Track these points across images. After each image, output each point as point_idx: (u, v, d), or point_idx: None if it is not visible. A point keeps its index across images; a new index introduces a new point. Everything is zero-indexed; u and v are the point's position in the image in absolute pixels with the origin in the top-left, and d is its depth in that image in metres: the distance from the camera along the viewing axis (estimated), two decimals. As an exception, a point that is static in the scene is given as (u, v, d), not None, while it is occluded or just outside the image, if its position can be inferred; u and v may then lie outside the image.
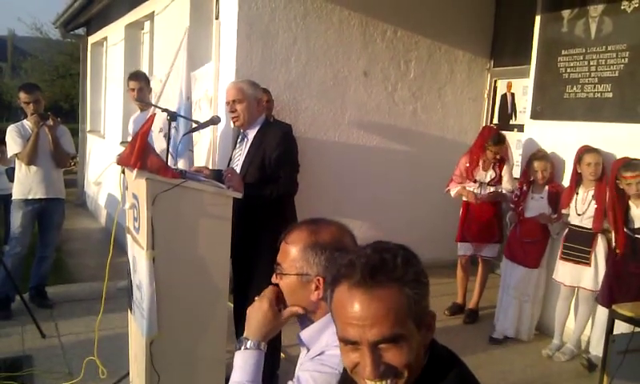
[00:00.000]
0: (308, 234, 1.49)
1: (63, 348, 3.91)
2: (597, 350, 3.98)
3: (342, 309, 1.12)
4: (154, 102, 4.45)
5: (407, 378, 1.11)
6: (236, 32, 5.03)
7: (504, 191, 4.81)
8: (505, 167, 4.81)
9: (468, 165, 4.92)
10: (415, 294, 1.10)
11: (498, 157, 4.78)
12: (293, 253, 1.49)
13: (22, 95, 4.60)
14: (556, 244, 4.44)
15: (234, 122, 3.42)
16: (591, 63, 4.52)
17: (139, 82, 4.80)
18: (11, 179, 5.31)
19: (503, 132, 5.05)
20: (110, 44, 9.55)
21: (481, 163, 4.85)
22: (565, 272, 4.27)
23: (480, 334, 4.62)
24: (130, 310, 3.17)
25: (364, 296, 1.09)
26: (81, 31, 11.68)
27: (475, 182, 4.86)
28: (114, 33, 9.06)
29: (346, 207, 5.63)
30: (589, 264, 4.12)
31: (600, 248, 4.12)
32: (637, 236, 3.78)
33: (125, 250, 3.17)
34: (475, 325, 4.79)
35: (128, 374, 3.31)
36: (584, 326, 4.22)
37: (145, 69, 7.38)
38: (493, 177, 4.81)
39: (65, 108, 19.59)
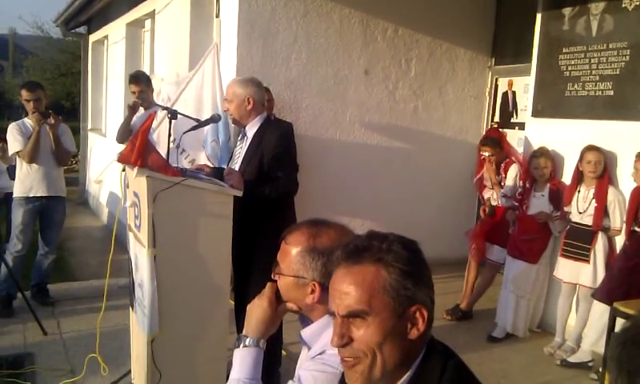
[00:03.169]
0: (307, 238, 1.50)
1: (65, 345, 3.92)
2: (592, 345, 4.01)
3: (330, 284, 1.20)
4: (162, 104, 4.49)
5: (372, 363, 1.13)
6: (236, 30, 5.03)
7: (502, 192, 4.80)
8: (511, 168, 4.75)
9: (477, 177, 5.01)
10: (395, 280, 1.12)
11: (492, 158, 4.76)
12: (291, 254, 1.50)
13: (25, 93, 4.60)
14: (558, 242, 4.44)
15: (230, 119, 3.47)
16: (592, 61, 4.52)
17: (139, 85, 4.78)
18: (12, 177, 5.32)
19: (504, 130, 5.04)
20: (110, 42, 9.56)
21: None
22: (564, 269, 4.28)
23: (481, 331, 4.62)
24: (132, 308, 3.19)
25: (344, 271, 1.16)
26: (82, 29, 11.68)
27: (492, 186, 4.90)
28: (114, 31, 9.06)
29: (347, 206, 5.63)
30: (588, 261, 4.13)
31: (600, 246, 4.12)
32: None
33: (126, 247, 3.18)
34: (477, 323, 4.79)
35: (130, 371, 3.32)
36: (584, 324, 4.23)
37: (146, 67, 7.39)
38: (500, 180, 4.81)
39: (66, 106, 19.63)
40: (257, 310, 1.56)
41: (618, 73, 4.35)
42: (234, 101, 3.32)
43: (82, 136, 11.00)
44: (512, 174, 4.72)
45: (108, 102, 9.85)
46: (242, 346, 1.54)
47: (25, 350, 3.81)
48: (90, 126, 10.94)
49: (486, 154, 4.80)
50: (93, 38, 10.94)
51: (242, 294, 3.33)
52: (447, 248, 6.16)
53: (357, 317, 1.13)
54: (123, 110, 7.83)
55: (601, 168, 4.14)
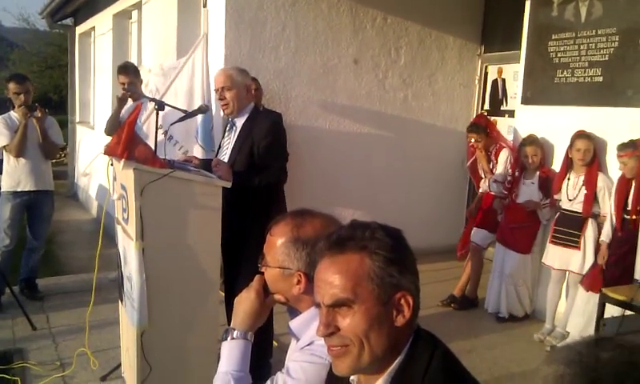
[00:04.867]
0: (291, 228, 1.49)
1: (54, 340, 3.89)
2: (580, 331, 4.04)
3: (315, 275, 1.20)
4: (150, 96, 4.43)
5: (359, 351, 1.13)
6: (224, 20, 4.98)
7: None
8: (501, 153, 4.79)
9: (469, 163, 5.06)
10: (379, 268, 1.12)
11: (478, 144, 4.82)
12: (276, 245, 1.50)
13: (12, 86, 4.53)
14: (547, 230, 4.46)
15: (223, 110, 3.39)
16: (581, 47, 4.52)
17: (128, 76, 4.72)
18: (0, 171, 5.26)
19: (495, 118, 5.05)
20: (97, 34, 9.45)
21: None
22: (554, 255, 4.30)
23: (471, 319, 4.65)
24: (121, 301, 3.16)
25: (328, 261, 1.16)
26: (68, 21, 11.54)
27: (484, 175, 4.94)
28: (101, 23, 8.96)
29: (337, 195, 5.62)
30: (578, 248, 4.15)
31: (590, 232, 4.14)
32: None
33: (116, 241, 3.15)
34: (466, 311, 4.81)
35: (120, 365, 3.30)
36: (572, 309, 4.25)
37: (133, 58, 7.31)
38: (491, 166, 4.84)
39: (54, 99, 19.40)
40: (244, 302, 1.54)
41: (607, 59, 4.35)
42: (233, 89, 3.26)
43: (70, 129, 10.90)
44: (503, 159, 4.75)
45: (96, 95, 9.77)
46: (229, 338, 1.53)
47: (14, 346, 3.77)
48: (77, 119, 10.84)
49: (472, 140, 4.84)
50: (79, 29, 10.82)
51: (232, 286, 3.31)
52: (439, 236, 6.19)
53: (342, 305, 1.13)
54: (111, 103, 7.78)
55: (590, 156, 4.15)
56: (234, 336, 1.52)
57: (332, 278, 1.14)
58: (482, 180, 5.06)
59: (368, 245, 1.14)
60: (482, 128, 4.88)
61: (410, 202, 6.17)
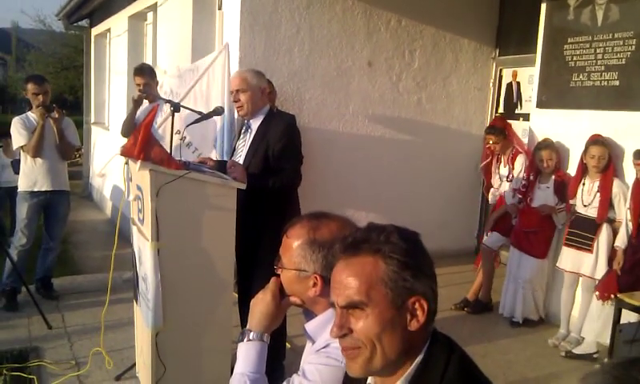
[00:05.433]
0: (307, 231, 1.50)
1: (70, 339, 3.93)
2: (596, 337, 4.01)
3: (331, 276, 1.21)
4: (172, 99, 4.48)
5: (371, 354, 1.13)
6: (239, 22, 5.00)
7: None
8: (517, 159, 4.78)
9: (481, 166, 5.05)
10: (393, 272, 1.12)
11: (496, 146, 4.81)
12: (292, 248, 1.50)
13: (31, 86, 4.59)
14: (562, 234, 4.42)
15: (238, 112, 3.41)
16: (598, 51, 4.48)
17: (144, 78, 4.75)
18: (16, 171, 5.32)
19: (509, 121, 5.04)
20: (113, 35, 9.54)
21: (503, 159, 4.92)
22: (567, 258, 4.27)
23: (485, 323, 4.62)
24: (136, 302, 3.19)
25: (343, 263, 1.18)
26: (84, 23, 11.67)
27: (500, 179, 4.94)
28: (117, 24, 9.04)
29: (351, 198, 5.62)
30: (590, 251, 4.11)
31: (604, 237, 4.09)
32: None
33: (130, 241, 3.17)
34: (480, 314, 4.78)
35: (134, 364, 3.33)
36: (586, 314, 4.20)
37: (148, 60, 7.37)
38: (508, 172, 4.82)
39: (69, 100, 19.65)
40: (260, 304, 1.55)
41: (623, 63, 4.30)
42: (248, 91, 3.28)
43: (85, 130, 10.99)
44: (519, 166, 4.72)
45: (111, 96, 9.85)
46: (245, 340, 1.54)
47: (30, 344, 3.81)
48: (93, 120, 10.94)
49: (490, 142, 4.84)
50: (95, 31, 10.92)
51: (246, 287, 3.32)
52: (452, 239, 6.17)
53: (356, 308, 1.14)
54: (126, 104, 7.84)
55: (604, 162, 4.10)
56: (251, 337, 1.53)
57: (346, 280, 1.15)
58: (492, 189, 5.05)
59: (382, 248, 1.14)
60: (501, 130, 4.88)
61: (424, 205, 6.15)
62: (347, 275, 1.15)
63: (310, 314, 1.55)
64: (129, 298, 3.66)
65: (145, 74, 4.77)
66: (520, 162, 4.74)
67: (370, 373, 1.18)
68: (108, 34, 9.97)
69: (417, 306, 1.13)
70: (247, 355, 1.52)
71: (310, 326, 1.52)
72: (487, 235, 4.88)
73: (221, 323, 2.98)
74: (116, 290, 3.50)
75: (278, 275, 1.56)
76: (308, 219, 1.54)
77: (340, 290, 1.16)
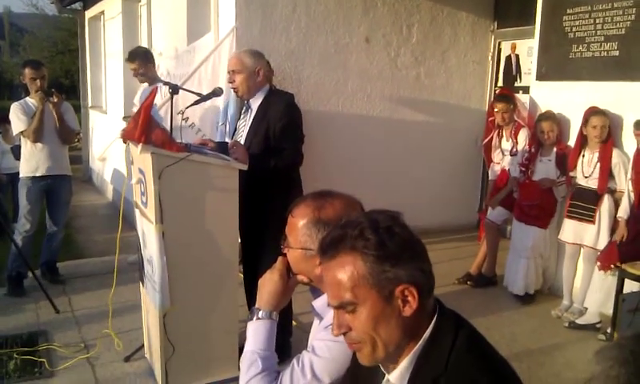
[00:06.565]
0: (312, 210, 1.51)
1: (77, 322, 3.97)
2: (599, 307, 4.04)
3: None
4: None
5: (372, 346, 1.16)
6: (234, 1, 4.95)
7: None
8: (520, 133, 4.76)
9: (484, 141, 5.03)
10: (371, 267, 1.12)
11: (505, 115, 4.77)
12: (297, 227, 1.52)
13: (29, 71, 4.56)
14: (564, 206, 4.44)
15: (235, 92, 3.41)
16: (597, 21, 4.45)
17: (134, 63, 4.73)
18: (17, 157, 5.32)
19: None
20: (107, 18, 9.43)
21: (504, 133, 4.90)
22: (569, 230, 4.29)
23: (489, 296, 4.66)
24: (142, 284, 3.22)
25: (325, 266, 1.20)
26: (77, 6, 11.50)
27: (503, 154, 4.91)
28: (110, 6, 8.94)
29: (351, 175, 5.61)
30: (592, 222, 4.13)
31: (605, 207, 4.11)
32: None
33: (133, 224, 3.19)
34: (484, 288, 4.82)
35: (143, 346, 3.37)
36: (588, 285, 4.24)
37: (144, 42, 7.30)
38: (511, 146, 4.80)
39: (65, 84, 19.51)
40: (268, 283, 1.57)
41: (623, 33, 4.28)
42: (242, 72, 3.26)
43: (82, 114, 10.93)
44: (522, 139, 4.72)
45: (107, 79, 9.78)
46: (255, 318, 1.56)
47: (38, 328, 3.86)
48: (90, 104, 10.88)
49: (498, 109, 4.80)
50: (89, 14, 10.79)
51: (251, 267, 3.35)
52: (453, 213, 6.19)
53: (347, 306, 1.16)
54: (123, 87, 7.80)
55: (606, 132, 4.10)
56: (260, 316, 1.56)
57: (332, 282, 1.17)
58: (492, 164, 5.04)
59: (356, 244, 1.14)
60: (510, 98, 4.88)
61: (425, 180, 6.16)
62: (332, 276, 1.17)
63: (317, 292, 1.57)
64: (133, 281, 3.70)
65: (135, 59, 4.74)
66: (523, 136, 4.73)
67: (377, 362, 1.21)
68: (102, 16, 9.85)
69: (406, 292, 1.13)
70: (257, 333, 1.54)
71: (318, 303, 1.55)
72: (490, 210, 4.90)
73: (227, 303, 3.02)
74: (120, 273, 3.51)
75: (285, 254, 1.58)
76: (312, 198, 1.55)
77: (330, 292, 1.19)
